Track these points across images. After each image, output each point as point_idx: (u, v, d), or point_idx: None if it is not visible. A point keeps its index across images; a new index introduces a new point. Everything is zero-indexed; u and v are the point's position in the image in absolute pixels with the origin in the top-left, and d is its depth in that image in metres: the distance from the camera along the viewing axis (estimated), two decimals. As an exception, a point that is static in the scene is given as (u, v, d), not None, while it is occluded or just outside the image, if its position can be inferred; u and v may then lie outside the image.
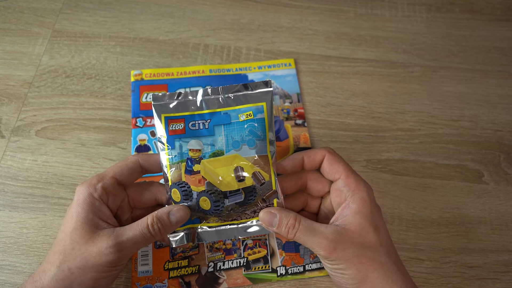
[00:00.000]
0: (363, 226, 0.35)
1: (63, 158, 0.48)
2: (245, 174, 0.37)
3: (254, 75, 0.54)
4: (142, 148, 0.48)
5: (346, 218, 0.35)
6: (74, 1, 0.59)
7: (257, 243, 0.44)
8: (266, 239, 0.44)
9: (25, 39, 0.56)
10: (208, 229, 0.38)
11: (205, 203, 0.37)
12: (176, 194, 0.38)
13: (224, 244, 0.43)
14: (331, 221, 0.37)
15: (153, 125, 0.50)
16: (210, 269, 0.42)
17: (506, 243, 0.45)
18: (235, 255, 0.43)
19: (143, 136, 0.49)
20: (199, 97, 0.38)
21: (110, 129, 0.50)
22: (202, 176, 0.37)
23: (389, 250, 0.35)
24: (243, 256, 0.43)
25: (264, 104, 0.38)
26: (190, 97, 0.38)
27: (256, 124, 0.37)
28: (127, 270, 0.42)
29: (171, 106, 0.38)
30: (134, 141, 0.49)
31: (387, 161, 0.50)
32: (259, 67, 0.55)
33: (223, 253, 0.43)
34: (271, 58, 0.56)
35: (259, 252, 0.43)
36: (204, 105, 0.38)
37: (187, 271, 0.42)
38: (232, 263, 0.43)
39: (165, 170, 0.38)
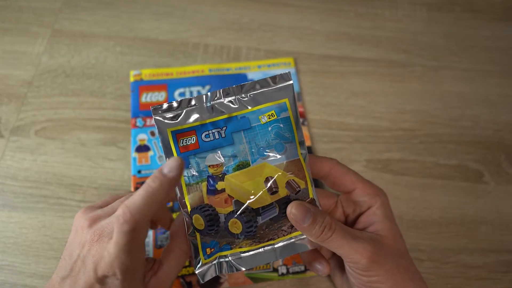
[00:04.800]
0: (394, 232, 0.33)
1: (62, 158, 0.48)
2: (278, 185, 0.32)
3: (253, 74, 0.54)
4: (142, 148, 0.48)
5: (376, 224, 0.33)
6: (73, 1, 0.59)
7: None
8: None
9: (24, 38, 0.56)
10: (242, 255, 0.33)
11: (236, 226, 0.32)
12: (199, 221, 0.32)
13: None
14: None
15: (153, 125, 0.49)
16: (210, 269, 0.42)
17: (506, 243, 0.45)
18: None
19: (142, 136, 0.49)
20: (208, 102, 0.32)
21: (110, 129, 0.50)
22: (228, 195, 0.32)
23: (409, 254, 0.34)
24: (244, 256, 0.43)
25: (286, 100, 0.32)
26: (197, 104, 0.32)
27: (281, 125, 0.32)
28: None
29: (176, 117, 0.32)
30: (134, 141, 0.49)
31: (388, 161, 0.50)
32: (258, 66, 0.55)
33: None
34: (271, 57, 0.56)
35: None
36: (215, 111, 0.32)
37: (188, 271, 0.42)
38: (232, 263, 0.43)
39: (182, 194, 0.32)
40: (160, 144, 0.32)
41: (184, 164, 0.31)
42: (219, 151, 0.32)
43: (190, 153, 0.32)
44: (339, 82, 0.55)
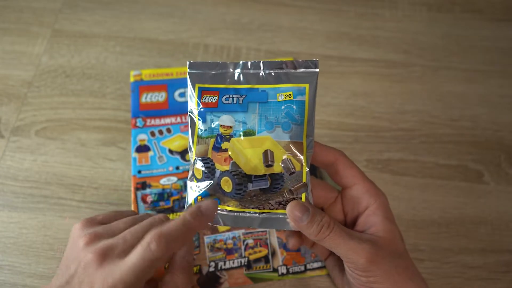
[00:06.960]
0: (394, 232, 0.33)
1: (62, 158, 0.48)
2: (274, 159, 0.34)
3: (254, 75, 0.54)
4: (142, 148, 0.48)
5: (376, 225, 0.34)
6: (73, 1, 0.59)
7: (258, 243, 0.44)
8: (267, 238, 0.44)
9: (24, 38, 0.56)
10: (226, 212, 0.34)
11: (227, 184, 0.35)
12: (198, 171, 0.35)
13: (225, 243, 0.43)
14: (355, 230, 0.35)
15: (153, 125, 0.49)
16: (211, 269, 0.42)
17: (506, 243, 0.45)
18: (236, 254, 0.43)
19: (143, 136, 0.49)
20: (238, 70, 0.35)
21: (110, 129, 0.50)
22: (229, 155, 0.35)
23: (408, 254, 0.35)
24: (244, 256, 0.43)
25: (307, 85, 0.35)
26: (229, 69, 0.36)
27: (294, 106, 0.34)
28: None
29: (207, 76, 0.36)
30: (134, 141, 0.49)
31: (387, 161, 0.50)
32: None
33: (224, 253, 0.43)
34: (271, 58, 0.56)
35: (260, 251, 0.43)
36: (242, 79, 0.35)
37: (187, 271, 0.42)
38: (233, 262, 0.43)
39: (192, 143, 0.36)
40: (188, 96, 0.36)
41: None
42: (232, 115, 0.35)
43: (208, 109, 0.35)
44: (339, 82, 0.55)
